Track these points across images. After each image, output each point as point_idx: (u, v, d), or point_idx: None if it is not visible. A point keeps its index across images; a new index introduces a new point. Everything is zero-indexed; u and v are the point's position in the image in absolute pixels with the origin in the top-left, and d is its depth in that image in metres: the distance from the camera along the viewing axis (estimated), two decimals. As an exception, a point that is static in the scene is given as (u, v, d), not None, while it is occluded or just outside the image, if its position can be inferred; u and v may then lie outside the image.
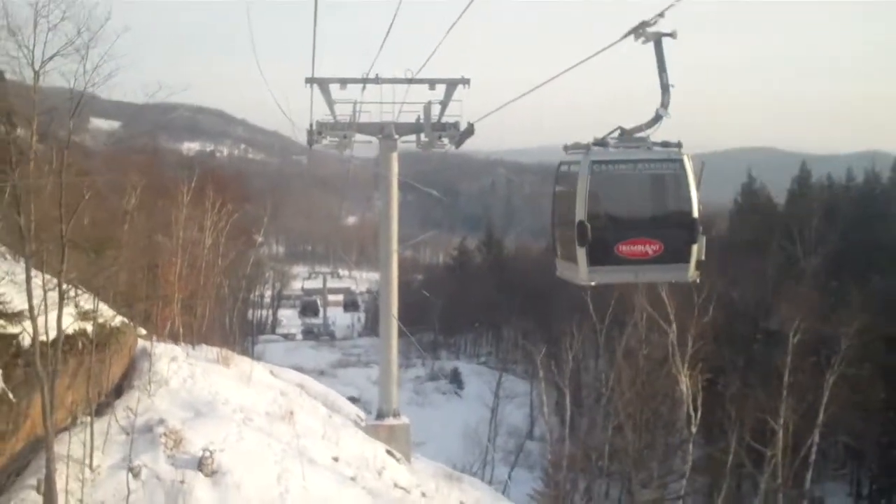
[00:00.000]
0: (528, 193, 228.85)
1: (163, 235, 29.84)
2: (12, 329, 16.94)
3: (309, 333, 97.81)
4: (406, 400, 55.80)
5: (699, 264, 10.27)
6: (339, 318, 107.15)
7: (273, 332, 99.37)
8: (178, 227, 30.20)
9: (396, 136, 26.79)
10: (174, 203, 31.69)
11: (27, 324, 16.90)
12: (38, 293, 16.42)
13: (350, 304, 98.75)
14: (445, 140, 26.70)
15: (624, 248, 10.14)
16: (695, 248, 10.26)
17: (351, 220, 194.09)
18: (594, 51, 10.36)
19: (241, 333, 58.91)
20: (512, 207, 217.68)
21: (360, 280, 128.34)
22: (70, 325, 17.73)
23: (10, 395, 16.44)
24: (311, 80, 24.94)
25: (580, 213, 10.01)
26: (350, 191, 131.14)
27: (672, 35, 9.79)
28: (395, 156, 27.16)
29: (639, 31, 9.63)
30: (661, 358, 25.71)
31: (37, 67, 18.96)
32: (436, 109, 26.33)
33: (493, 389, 52.11)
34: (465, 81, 25.31)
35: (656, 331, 26.09)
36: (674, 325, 26.49)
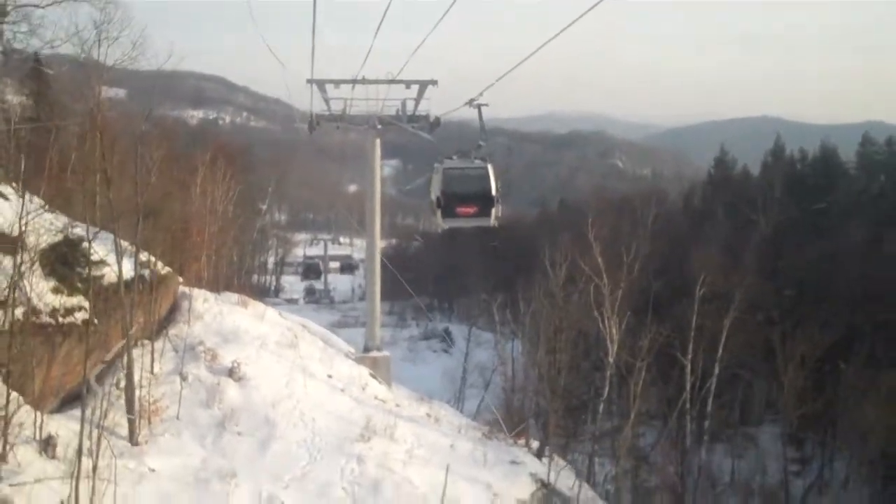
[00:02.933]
0: (528, 162, 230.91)
1: (182, 202, 35.86)
2: (96, 273, 23.57)
3: (311, 294, 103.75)
4: (400, 356, 62.02)
5: (497, 218, 18.75)
6: (339, 284, 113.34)
7: (276, 296, 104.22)
8: (199, 195, 36.37)
9: (379, 126, 33.03)
10: (187, 171, 37.52)
11: (106, 269, 23.59)
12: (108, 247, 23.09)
13: (346, 268, 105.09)
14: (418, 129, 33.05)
15: (459, 209, 18.48)
16: (493, 210, 18.45)
17: (352, 188, 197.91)
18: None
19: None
20: (510, 176, 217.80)
21: (361, 247, 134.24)
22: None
23: (96, 322, 23.13)
24: (311, 81, 31.10)
25: (436, 192, 18.36)
26: (351, 159, 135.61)
27: (486, 104, 17.40)
28: (378, 142, 33.44)
29: (470, 103, 17.05)
30: (580, 301, 32.16)
31: (100, 74, 25.59)
32: (411, 105, 32.66)
33: (485, 349, 58.72)
34: (434, 82, 31.34)
35: (588, 282, 32.50)
36: (605, 278, 32.85)
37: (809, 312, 39.17)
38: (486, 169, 18.31)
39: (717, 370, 37.54)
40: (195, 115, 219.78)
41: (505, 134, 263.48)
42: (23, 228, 17.85)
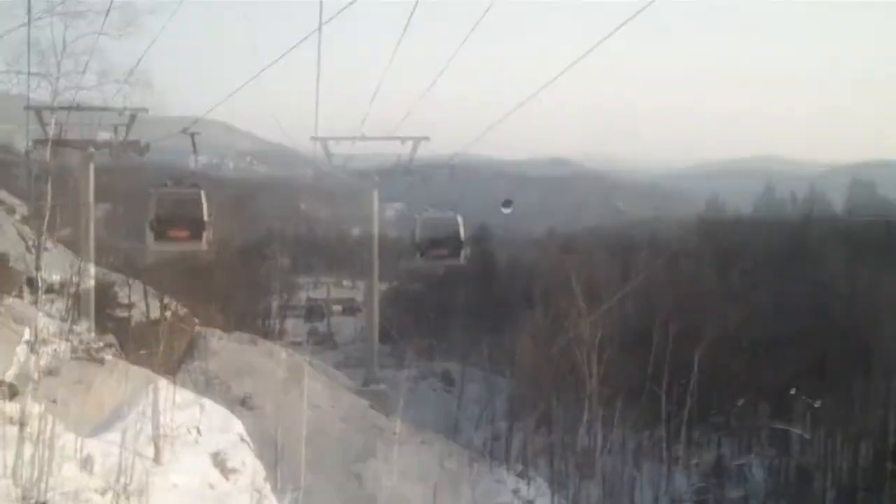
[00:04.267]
0: (530, 204, 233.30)
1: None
2: (125, 314, 26.70)
3: (314, 335, 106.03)
4: (402, 396, 64.56)
5: (465, 258, 23.18)
6: (343, 326, 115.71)
7: (280, 339, 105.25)
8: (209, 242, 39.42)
9: (377, 178, 36.24)
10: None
11: (133, 311, 26.71)
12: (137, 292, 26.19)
13: (349, 310, 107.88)
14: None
15: (433, 252, 22.84)
16: (462, 252, 22.55)
17: (355, 231, 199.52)
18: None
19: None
20: (514, 217, 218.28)
21: (363, 290, 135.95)
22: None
23: (124, 356, 26.15)
24: (315, 139, 34.29)
25: (417, 238, 22.48)
26: (354, 203, 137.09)
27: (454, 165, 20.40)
28: (376, 192, 36.65)
29: (447, 167, 20.10)
30: (563, 337, 35.18)
31: (142, 146, 28.80)
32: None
33: (481, 386, 61.53)
34: (426, 139, 34.63)
35: (572, 315, 35.60)
36: (587, 316, 35.89)
37: (780, 348, 42.04)
38: (455, 219, 22.44)
39: (688, 402, 40.54)
40: (198, 160, 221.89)
41: (507, 176, 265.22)
42: (77, 281, 20.92)
